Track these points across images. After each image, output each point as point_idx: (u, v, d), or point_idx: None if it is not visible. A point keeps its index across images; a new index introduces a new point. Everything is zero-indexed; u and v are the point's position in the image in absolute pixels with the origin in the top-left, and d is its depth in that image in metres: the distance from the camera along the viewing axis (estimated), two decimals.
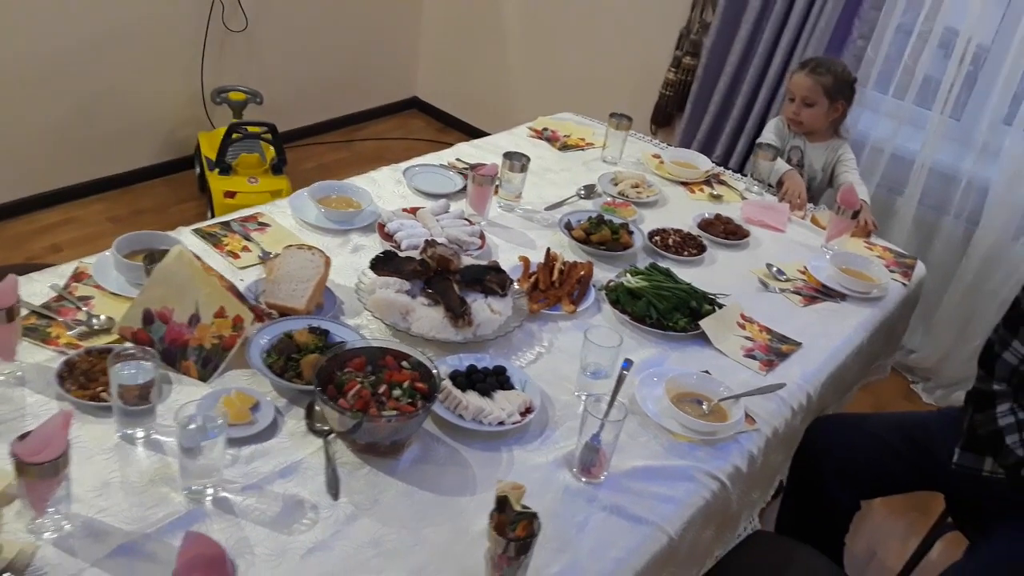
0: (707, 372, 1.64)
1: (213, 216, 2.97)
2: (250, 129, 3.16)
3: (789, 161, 2.63)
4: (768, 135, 2.67)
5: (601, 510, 1.33)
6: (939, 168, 3.02)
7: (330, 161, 3.95)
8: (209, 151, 3.33)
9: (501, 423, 1.43)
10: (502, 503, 1.10)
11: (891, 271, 2.15)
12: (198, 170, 3.51)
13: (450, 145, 2.46)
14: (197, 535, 0.99)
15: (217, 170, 3.17)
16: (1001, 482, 1.69)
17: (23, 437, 1.08)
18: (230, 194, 3.10)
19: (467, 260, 1.74)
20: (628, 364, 1.42)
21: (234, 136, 3.12)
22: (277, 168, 3.24)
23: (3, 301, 1.30)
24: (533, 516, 1.09)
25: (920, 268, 2.25)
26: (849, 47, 3.06)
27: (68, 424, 1.09)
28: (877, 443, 1.86)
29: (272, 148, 3.28)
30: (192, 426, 1.19)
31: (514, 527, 1.09)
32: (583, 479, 1.37)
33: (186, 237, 1.77)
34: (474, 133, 3.94)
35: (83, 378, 1.35)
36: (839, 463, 1.86)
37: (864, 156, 3.08)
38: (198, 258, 1.49)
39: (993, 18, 2.91)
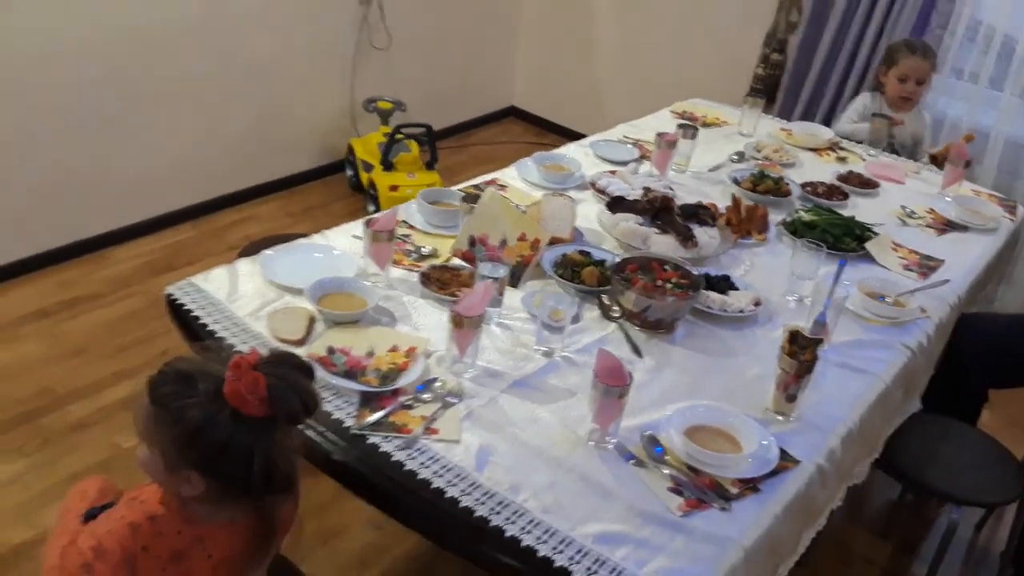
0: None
1: (378, 209, 3.45)
2: (409, 131, 3.64)
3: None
4: (858, 107, 3.13)
5: (832, 366, 1.77)
6: (1012, 140, 3.47)
7: (452, 163, 4.42)
8: (364, 154, 3.82)
9: (740, 311, 1.87)
10: (794, 335, 1.55)
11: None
12: (349, 172, 4.00)
13: (554, 147, 2.87)
14: (605, 351, 1.43)
15: (381, 168, 3.65)
16: None
17: (456, 299, 1.53)
18: (394, 187, 3.57)
19: None
20: (844, 262, 1.86)
21: (397, 137, 3.60)
22: (430, 164, 3.72)
23: (386, 226, 1.77)
24: (820, 341, 1.54)
25: (1021, 210, 2.69)
26: (928, 37, 3.52)
27: (488, 294, 1.55)
28: (1012, 334, 2.29)
29: (416, 147, 3.77)
30: (550, 305, 1.65)
31: (804, 351, 1.53)
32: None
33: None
34: (570, 135, 4.39)
35: (438, 283, 1.81)
36: (977, 355, 2.29)
37: (943, 133, 3.52)
38: (504, 197, 1.95)
39: None
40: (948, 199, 2.59)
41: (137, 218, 3.37)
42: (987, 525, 2.55)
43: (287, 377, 1.11)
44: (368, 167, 3.77)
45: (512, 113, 5.14)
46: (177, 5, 3.17)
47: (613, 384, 1.40)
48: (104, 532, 1.15)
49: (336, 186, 4.02)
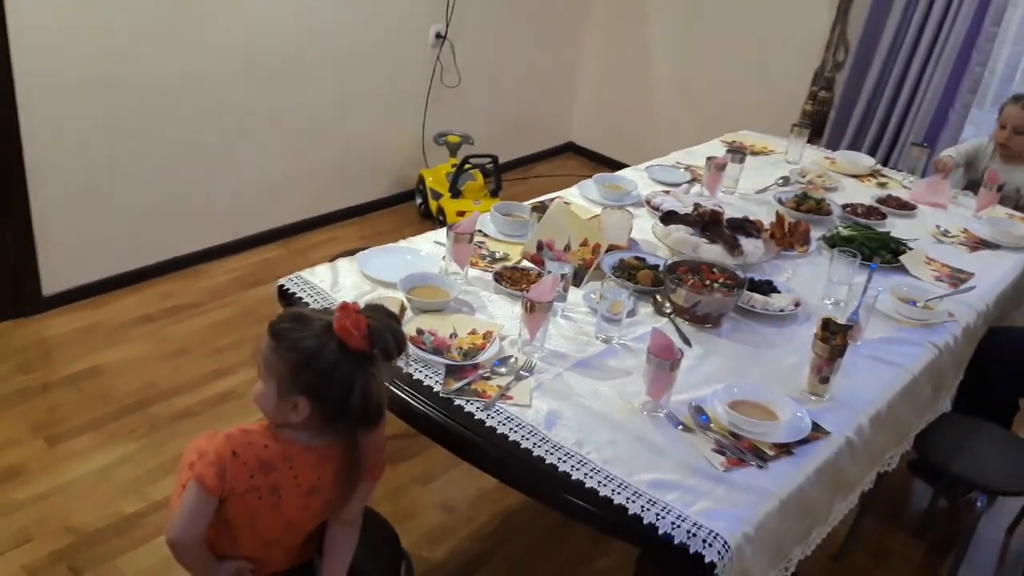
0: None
1: None
2: (477, 161, 3.94)
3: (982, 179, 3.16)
4: (961, 148, 3.24)
5: (864, 358, 1.96)
6: None
7: (515, 192, 4.69)
8: (433, 184, 4.12)
9: (781, 310, 2.09)
10: (826, 322, 1.76)
11: None
12: (419, 200, 4.30)
13: None
14: (659, 331, 1.66)
15: (450, 195, 3.94)
16: None
17: (525, 291, 1.78)
18: (461, 213, 3.86)
19: None
20: (875, 266, 2.06)
21: (465, 167, 3.90)
22: (495, 192, 4.01)
23: (468, 229, 2.03)
24: (850, 327, 1.74)
25: None
26: (968, 74, 3.71)
27: (556, 284, 1.79)
28: None
29: (481, 177, 4.07)
30: (610, 299, 1.88)
31: (835, 336, 1.74)
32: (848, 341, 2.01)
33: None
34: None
35: (509, 280, 2.06)
36: (1007, 363, 2.45)
37: None
38: (569, 207, 2.20)
39: None
40: (981, 220, 2.77)
41: (230, 237, 3.70)
42: (1019, 529, 2.68)
43: (383, 320, 1.37)
44: (437, 195, 4.07)
45: (570, 148, 5.42)
46: (276, 48, 3.52)
47: (665, 358, 1.63)
48: (208, 442, 1.42)
49: (406, 213, 4.32)
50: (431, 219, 4.11)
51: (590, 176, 2.76)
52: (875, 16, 3.89)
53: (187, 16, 3.20)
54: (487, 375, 1.73)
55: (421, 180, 4.24)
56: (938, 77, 3.70)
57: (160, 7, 3.11)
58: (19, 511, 2.33)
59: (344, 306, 1.35)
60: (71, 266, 3.22)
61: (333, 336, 1.33)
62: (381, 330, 1.36)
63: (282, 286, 2.02)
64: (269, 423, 1.42)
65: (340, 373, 1.34)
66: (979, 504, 2.20)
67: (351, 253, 2.18)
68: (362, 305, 1.39)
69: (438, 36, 4.16)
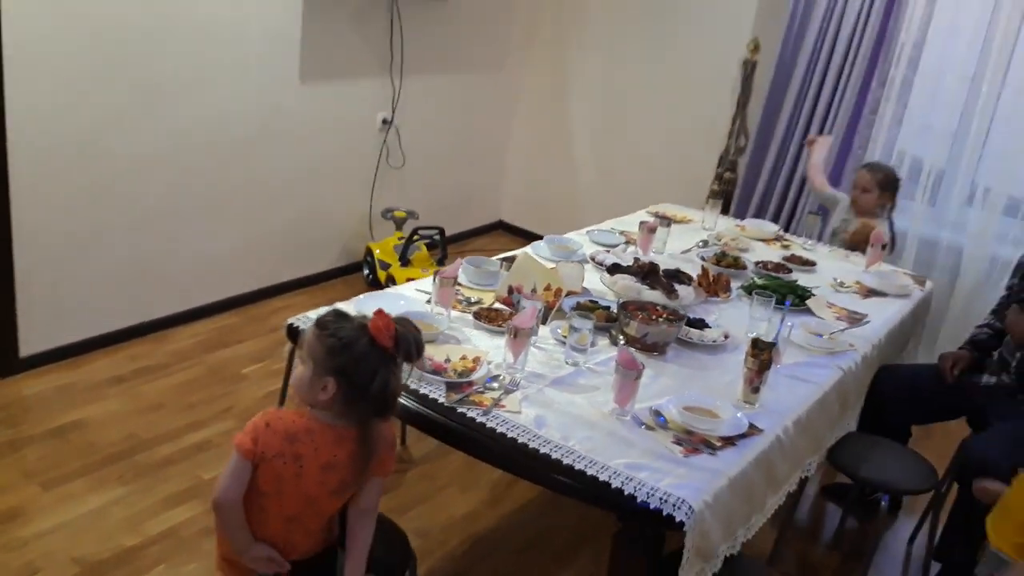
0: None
1: None
2: (425, 232, 4.30)
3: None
4: (838, 213, 3.85)
5: (784, 378, 2.37)
6: (923, 238, 4.22)
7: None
8: (382, 255, 4.45)
9: (714, 340, 2.49)
10: (755, 341, 2.15)
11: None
12: (366, 271, 4.61)
13: None
14: (625, 348, 2.03)
15: (399, 264, 4.28)
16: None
17: (508, 322, 2.13)
18: (410, 280, 4.18)
19: None
20: (789, 303, 2.48)
21: (415, 238, 4.26)
22: (440, 261, 4.37)
23: (452, 273, 2.38)
24: (774, 344, 2.15)
25: (928, 284, 3.37)
26: (852, 155, 4.31)
27: (535, 313, 2.14)
28: (922, 383, 2.91)
29: (425, 248, 4.43)
30: (579, 331, 2.25)
31: (763, 352, 2.14)
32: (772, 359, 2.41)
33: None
34: None
35: (487, 319, 2.40)
36: (899, 396, 2.89)
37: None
38: (533, 257, 2.57)
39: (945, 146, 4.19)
40: (871, 273, 3.27)
41: (192, 304, 3.92)
42: (918, 539, 3.09)
43: (409, 328, 1.70)
44: (385, 265, 4.40)
45: (501, 226, 5.85)
46: (237, 128, 3.84)
47: (630, 369, 1.99)
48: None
49: (355, 283, 4.62)
50: (379, 287, 4.41)
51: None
52: (770, 108, 4.50)
53: (160, 99, 3.50)
54: (481, 390, 2.05)
55: (369, 252, 4.56)
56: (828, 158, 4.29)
57: (136, 91, 3.40)
58: (24, 547, 2.47)
59: (379, 312, 1.67)
60: (47, 329, 3.39)
61: (367, 332, 1.66)
62: (406, 335, 1.69)
63: (291, 324, 2.31)
64: (297, 406, 1.72)
65: (367, 362, 1.65)
66: (883, 503, 2.60)
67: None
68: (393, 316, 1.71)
69: (384, 122, 4.56)
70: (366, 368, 1.66)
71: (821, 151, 3.93)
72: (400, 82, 4.52)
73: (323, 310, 2.01)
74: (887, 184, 3.63)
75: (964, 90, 4.04)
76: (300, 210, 4.31)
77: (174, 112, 3.56)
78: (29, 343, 3.35)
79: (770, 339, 2.28)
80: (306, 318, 2.33)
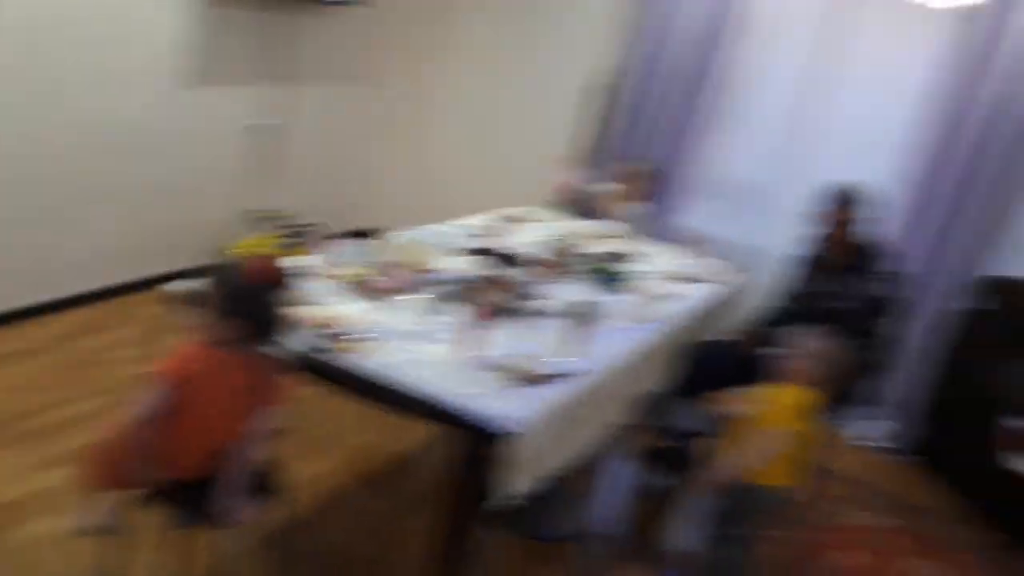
0: None
1: None
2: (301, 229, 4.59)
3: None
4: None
5: (607, 325, 2.81)
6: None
7: None
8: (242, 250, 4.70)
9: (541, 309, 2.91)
10: (578, 305, 2.59)
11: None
12: None
13: None
14: (483, 306, 2.41)
15: None
16: None
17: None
18: None
19: None
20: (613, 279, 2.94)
21: (294, 234, 4.54)
22: None
23: (313, 246, 2.70)
24: (590, 305, 2.58)
25: (744, 275, 3.93)
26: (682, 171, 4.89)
27: (398, 280, 2.50)
28: (728, 356, 3.43)
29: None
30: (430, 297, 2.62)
31: (580, 311, 2.57)
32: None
33: None
34: None
35: (360, 287, 2.74)
36: (705, 368, 3.39)
37: None
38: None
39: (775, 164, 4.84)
40: (693, 263, 3.81)
41: (62, 294, 4.07)
42: None
43: (277, 269, 2.06)
44: None
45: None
46: (120, 125, 4.04)
47: (485, 318, 2.38)
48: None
49: None
50: None
51: None
52: (609, 127, 5.05)
53: (41, 96, 3.68)
54: (344, 341, 2.40)
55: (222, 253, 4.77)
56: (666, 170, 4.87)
57: (22, 88, 3.58)
58: None
59: (253, 258, 2.03)
60: None
61: (251, 274, 2.02)
62: (277, 272, 2.07)
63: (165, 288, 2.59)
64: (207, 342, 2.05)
65: (252, 296, 2.03)
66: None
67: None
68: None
69: (264, 127, 4.83)
70: (257, 302, 2.03)
71: (569, 178, 4.53)
72: (282, 90, 4.81)
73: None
74: (654, 176, 4.45)
75: (781, 115, 4.69)
76: (172, 211, 4.51)
77: (55, 111, 3.74)
78: None
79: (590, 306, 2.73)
80: (180, 283, 2.61)
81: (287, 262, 2.22)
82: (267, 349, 2.11)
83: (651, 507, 3.41)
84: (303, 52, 4.92)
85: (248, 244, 4.72)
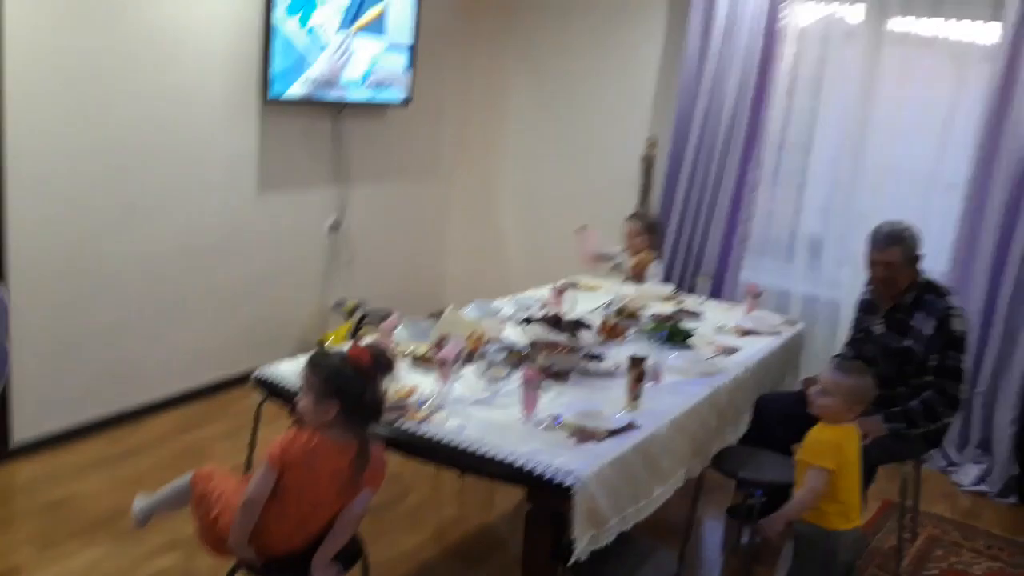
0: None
1: None
2: (375, 313, 4.85)
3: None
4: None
5: (663, 392, 2.92)
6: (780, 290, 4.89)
7: None
8: (336, 341, 4.97)
9: (609, 370, 3.04)
10: (632, 358, 2.72)
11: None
12: None
13: None
14: (529, 366, 2.57)
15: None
16: None
17: (439, 353, 2.67)
18: None
19: None
20: (664, 333, 3.07)
21: (363, 319, 4.81)
22: None
23: (390, 326, 2.92)
24: (645, 358, 2.71)
25: (799, 325, 3.99)
26: (738, 229, 4.99)
27: (457, 347, 2.69)
28: (795, 406, 3.46)
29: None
30: (493, 364, 2.79)
31: (636, 366, 2.70)
32: (653, 382, 2.96)
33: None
34: None
35: (422, 361, 2.93)
36: (777, 419, 3.43)
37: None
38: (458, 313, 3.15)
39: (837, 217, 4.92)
40: (748, 317, 3.89)
41: (165, 394, 4.38)
42: None
43: (378, 349, 2.25)
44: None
45: None
46: (204, 233, 4.41)
47: (532, 380, 2.54)
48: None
49: None
50: None
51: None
52: (667, 194, 5.20)
53: (139, 212, 4.07)
54: (415, 410, 2.58)
55: (321, 343, 5.07)
56: (716, 231, 4.98)
57: (120, 205, 3.97)
58: None
59: (354, 344, 2.22)
60: (36, 418, 3.82)
61: (349, 358, 2.20)
62: (379, 354, 2.24)
63: (258, 376, 2.82)
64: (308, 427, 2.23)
65: (355, 381, 2.18)
66: (758, 495, 3.11)
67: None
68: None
69: (332, 226, 5.16)
70: (355, 386, 2.19)
71: (590, 243, 4.63)
72: (346, 189, 5.15)
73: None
74: (651, 228, 4.49)
75: (830, 167, 4.78)
76: (259, 308, 4.83)
77: (151, 223, 4.13)
78: (21, 431, 3.77)
79: (646, 359, 2.86)
80: (272, 371, 2.85)
81: (374, 346, 2.36)
82: (365, 431, 2.25)
83: (736, 563, 3.45)
84: (361, 151, 5.26)
85: (334, 334, 5.01)
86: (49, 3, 3.54)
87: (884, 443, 3.17)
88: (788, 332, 3.85)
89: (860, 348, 3.52)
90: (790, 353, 3.85)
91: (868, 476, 3.13)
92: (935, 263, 3.97)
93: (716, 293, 4.86)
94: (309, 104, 4.69)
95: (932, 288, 3.33)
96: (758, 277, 4.92)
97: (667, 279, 5.05)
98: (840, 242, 4.79)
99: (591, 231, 4.65)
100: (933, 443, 3.42)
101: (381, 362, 2.26)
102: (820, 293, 4.86)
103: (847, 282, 4.75)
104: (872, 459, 3.05)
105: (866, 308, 3.57)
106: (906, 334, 3.30)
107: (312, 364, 2.22)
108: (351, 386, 2.19)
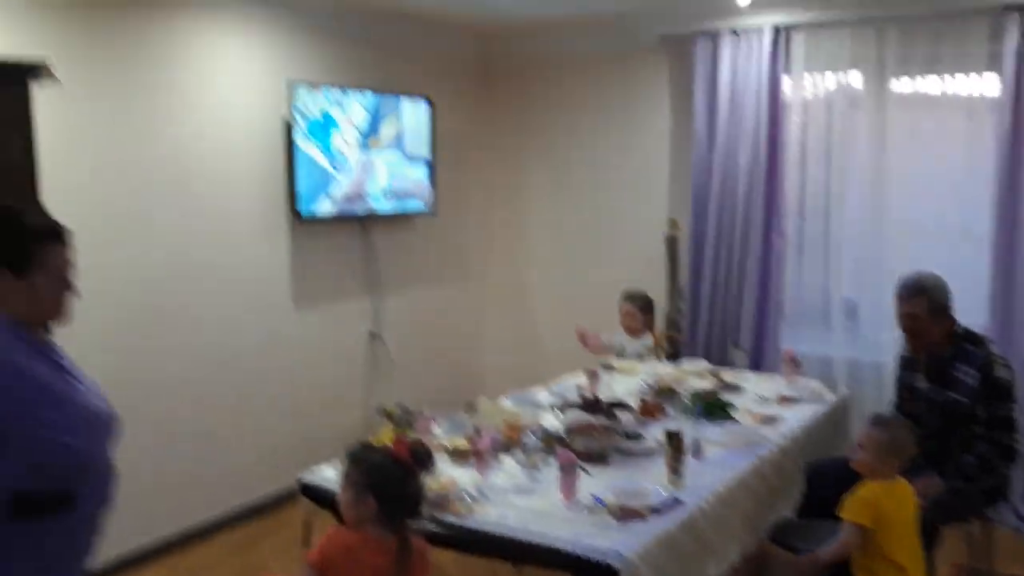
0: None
1: None
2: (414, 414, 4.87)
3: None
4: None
5: (706, 466, 2.89)
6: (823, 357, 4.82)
7: None
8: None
9: (649, 447, 3.02)
10: (668, 433, 2.70)
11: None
12: None
13: None
14: (563, 450, 2.57)
15: None
16: None
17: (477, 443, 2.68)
18: None
19: None
20: (700, 407, 3.05)
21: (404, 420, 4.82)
22: None
23: (425, 423, 2.95)
24: (678, 432, 2.69)
25: (843, 390, 3.94)
26: (771, 301, 4.99)
27: (490, 439, 2.70)
28: (844, 472, 3.39)
29: None
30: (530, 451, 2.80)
31: (673, 440, 2.68)
32: (697, 458, 2.93)
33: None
34: None
35: (457, 454, 2.94)
36: (830, 486, 3.35)
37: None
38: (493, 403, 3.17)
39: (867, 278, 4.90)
40: (788, 386, 3.85)
41: (217, 512, 4.41)
42: None
43: (419, 445, 2.27)
44: None
45: None
46: (244, 349, 4.52)
47: (568, 463, 2.53)
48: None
49: None
50: None
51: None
52: (695, 271, 5.23)
53: (180, 331, 4.19)
54: (455, 502, 2.58)
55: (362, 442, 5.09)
56: (748, 304, 4.97)
57: (162, 325, 4.10)
58: None
59: (395, 438, 2.25)
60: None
61: (389, 454, 2.22)
62: (419, 450, 2.27)
63: (303, 481, 2.85)
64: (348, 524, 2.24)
65: (395, 476, 2.20)
66: None
67: None
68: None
69: (371, 333, 5.26)
70: (395, 480, 2.20)
71: (591, 341, 4.71)
72: (380, 297, 5.27)
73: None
74: (647, 307, 4.67)
75: (853, 230, 4.78)
76: (303, 419, 4.88)
77: (190, 343, 4.25)
78: None
79: (684, 435, 2.83)
80: (317, 474, 2.87)
81: (414, 441, 2.39)
82: (405, 526, 2.24)
83: None
84: (392, 259, 5.38)
85: (378, 440, 5.02)
86: (81, 133, 3.72)
87: (943, 502, 3.07)
88: (832, 398, 3.80)
89: (906, 406, 3.46)
90: (837, 419, 3.78)
91: (932, 538, 3.03)
92: (976, 316, 3.92)
93: (756, 365, 4.81)
94: (337, 219, 4.86)
95: (970, 337, 3.28)
96: (797, 346, 4.86)
97: (704, 354, 5.04)
98: (875, 304, 4.74)
99: (590, 334, 4.72)
100: (995, 498, 3.31)
101: (420, 457, 2.29)
102: (862, 356, 4.78)
103: (888, 343, 4.68)
104: (933, 519, 2.96)
105: (907, 365, 3.52)
106: (950, 386, 3.24)
107: (352, 459, 2.24)
108: (390, 481, 2.20)
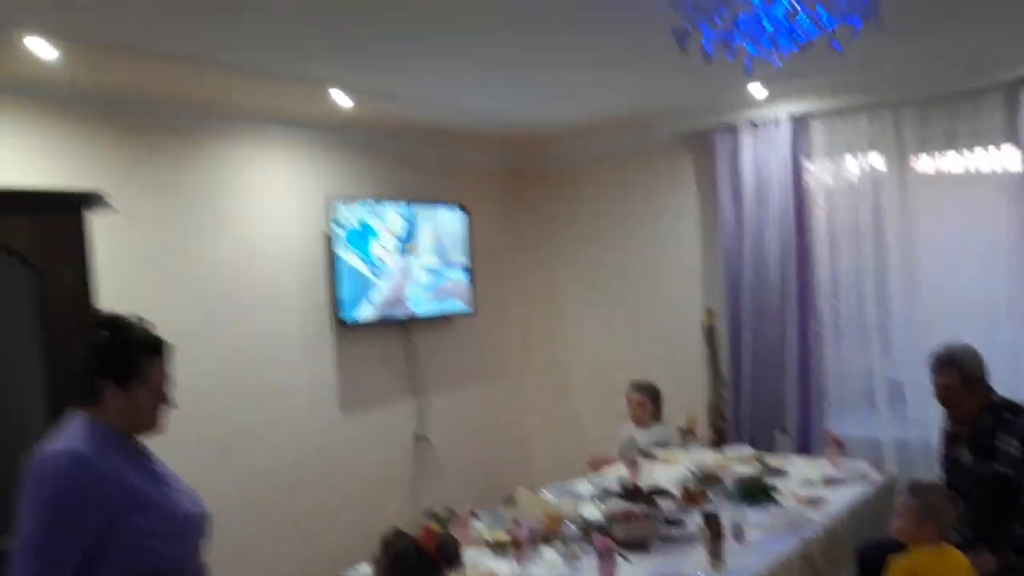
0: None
1: None
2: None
3: None
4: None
5: (750, 550, 2.87)
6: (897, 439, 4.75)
7: None
8: None
9: (688, 535, 3.02)
10: (707, 517, 2.71)
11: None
12: None
13: None
14: (600, 536, 2.59)
15: None
16: None
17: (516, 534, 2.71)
18: None
19: None
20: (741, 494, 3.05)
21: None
22: None
23: (465, 517, 2.99)
24: (716, 514, 2.70)
25: (891, 469, 3.88)
26: (814, 386, 4.96)
27: (528, 529, 2.73)
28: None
29: None
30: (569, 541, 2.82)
31: (711, 523, 2.68)
32: (740, 542, 2.91)
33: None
34: None
35: (496, 547, 2.97)
36: (875, 566, 3.30)
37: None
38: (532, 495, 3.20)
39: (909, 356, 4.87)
40: (833, 468, 3.82)
41: None
42: None
43: (448, 539, 2.32)
44: None
45: None
46: (293, 458, 4.61)
47: (604, 549, 2.55)
48: None
49: None
50: None
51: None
52: (734, 359, 5.24)
53: (228, 439, 4.32)
54: None
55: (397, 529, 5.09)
56: (791, 388, 4.95)
57: (214, 440, 4.23)
58: None
59: (426, 528, 2.32)
60: None
61: (416, 544, 2.28)
62: (446, 544, 2.32)
63: None
64: None
65: (418, 567, 2.25)
66: None
67: None
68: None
69: (417, 436, 5.33)
70: (416, 570, 2.26)
71: (608, 460, 4.57)
72: (424, 399, 5.37)
73: None
74: (655, 396, 4.71)
75: (888, 309, 4.77)
76: (351, 524, 4.92)
77: (244, 453, 4.36)
78: None
79: (723, 518, 2.83)
80: (359, 571, 2.93)
81: (443, 535, 2.45)
82: None
83: None
84: (434, 361, 5.49)
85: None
86: (137, 258, 3.93)
87: None
88: (878, 478, 3.75)
89: (951, 481, 3.41)
90: (885, 499, 3.72)
91: None
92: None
93: (803, 449, 4.75)
94: (379, 323, 5.01)
95: (1009, 407, 3.26)
96: (845, 428, 4.80)
97: (750, 441, 5.00)
98: (918, 382, 4.66)
99: (599, 457, 4.66)
100: None
101: (447, 551, 2.34)
102: (911, 436, 4.69)
103: (935, 421, 4.61)
104: None
105: (949, 439, 3.48)
106: (993, 457, 3.19)
107: (383, 543, 2.32)
108: (412, 570, 2.25)
